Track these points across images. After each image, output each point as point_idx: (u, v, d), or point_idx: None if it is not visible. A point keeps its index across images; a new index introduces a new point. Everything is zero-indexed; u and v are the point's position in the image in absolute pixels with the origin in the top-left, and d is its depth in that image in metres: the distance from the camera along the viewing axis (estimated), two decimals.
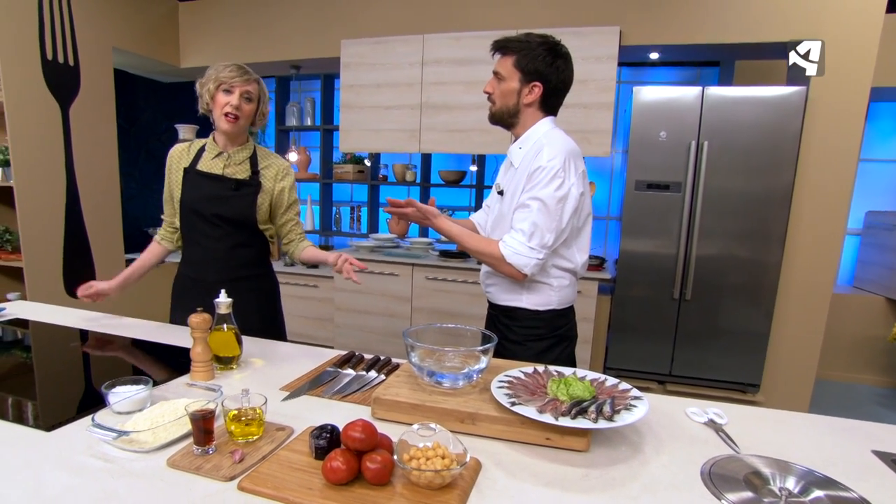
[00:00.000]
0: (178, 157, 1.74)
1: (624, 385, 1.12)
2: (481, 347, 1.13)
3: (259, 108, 1.70)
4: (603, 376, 1.16)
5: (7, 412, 1.07)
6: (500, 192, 1.57)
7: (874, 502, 0.84)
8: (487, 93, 1.53)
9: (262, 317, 1.82)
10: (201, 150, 1.73)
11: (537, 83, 1.46)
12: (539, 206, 1.40)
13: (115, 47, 3.62)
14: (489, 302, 1.68)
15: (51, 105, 3.21)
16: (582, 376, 1.14)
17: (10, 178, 3.04)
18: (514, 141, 1.55)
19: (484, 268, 1.64)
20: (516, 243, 1.42)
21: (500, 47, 1.49)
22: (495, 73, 1.50)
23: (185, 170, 1.71)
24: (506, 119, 1.52)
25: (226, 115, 1.61)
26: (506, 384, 1.10)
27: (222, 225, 1.70)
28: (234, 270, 1.74)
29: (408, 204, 1.47)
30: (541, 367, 1.20)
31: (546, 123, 1.51)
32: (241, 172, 1.72)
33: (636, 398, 1.05)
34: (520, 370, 1.19)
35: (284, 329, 1.95)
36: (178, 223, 1.76)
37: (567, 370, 1.19)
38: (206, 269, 1.73)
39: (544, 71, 1.44)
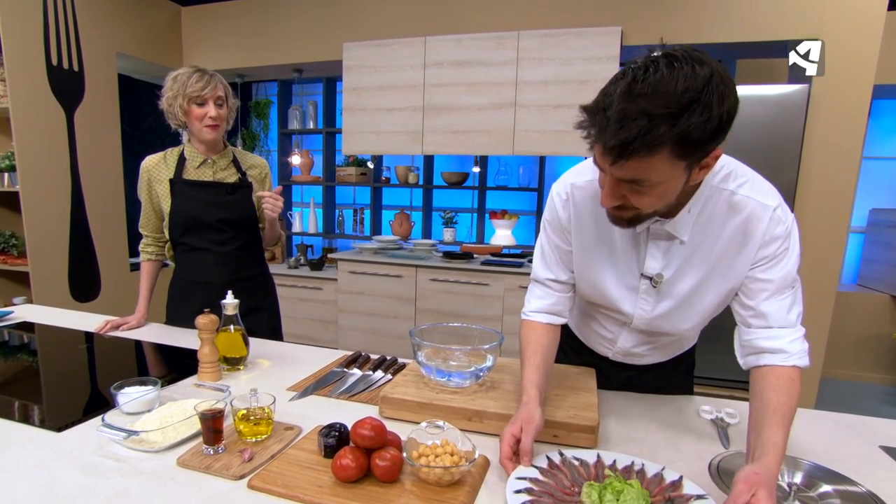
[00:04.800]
0: (157, 169, 1.71)
1: (671, 474, 0.86)
2: (488, 346, 1.13)
3: (228, 105, 1.70)
4: (640, 462, 0.89)
5: (14, 414, 1.08)
6: (656, 284, 1.03)
7: (883, 497, 0.84)
8: (610, 206, 0.88)
9: (268, 314, 1.87)
10: (180, 160, 1.72)
11: (715, 151, 0.83)
12: (798, 282, 0.98)
13: (118, 52, 3.64)
14: (625, 365, 1.24)
15: (56, 110, 3.23)
16: (624, 467, 0.88)
17: (15, 184, 3.05)
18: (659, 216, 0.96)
19: (648, 342, 1.18)
20: (801, 336, 0.96)
21: (632, 145, 0.75)
22: (628, 181, 0.82)
23: (171, 181, 1.70)
24: (660, 214, 0.95)
25: (206, 126, 1.64)
26: (524, 490, 0.81)
27: (227, 229, 1.72)
28: (240, 270, 1.77)
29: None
30: (556, 458, 0.91)
31: (717, 169, 0.95)
32: (230, 176, 1.76)
33: (700, 497, 0.80)
34: (534, 465, 0.88)
35: (282, 330, 1.98)
36: (166, 234, 1.76)
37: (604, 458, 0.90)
38: (212, 273, 1.73)
39: (724, 125, 0.79)
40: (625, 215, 0.90)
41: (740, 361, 1.02)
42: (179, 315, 1.79)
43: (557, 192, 1.07)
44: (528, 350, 1.06)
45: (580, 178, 1.05)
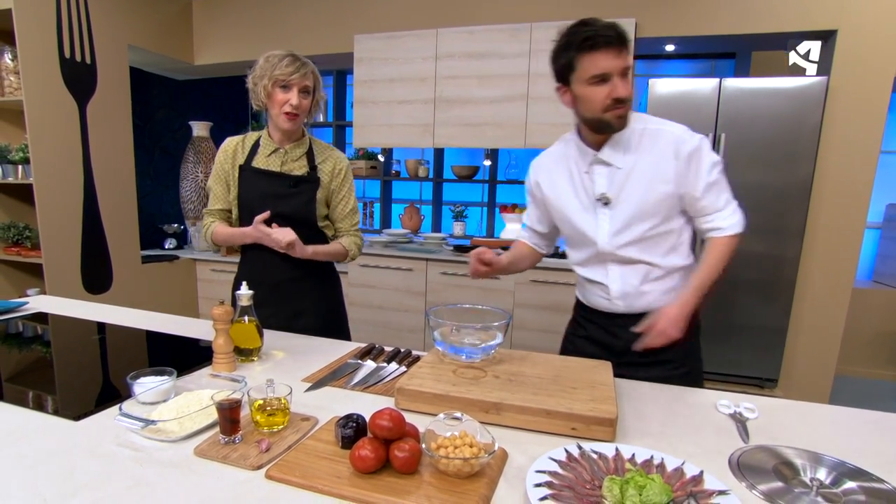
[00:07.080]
0: (232, 153, 1.67)
1: (691, 468, 0.85)
2: (497, 323, 1.20)
3: (315, 98, 1.64)
4: (659, 456, 0.89)
5: (28, 404, 1.09)
6: (606, 203, 1.35)
7: None
8: (627, 96, 1.25)
9: (326, 314, 1.81)
10: (255, 145, 1.67)
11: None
12: (720, 172, 1.31)
13: (130, 45, 3.65)
14: (614, 314, 1.42)
15: (68, 103, 3.24)
16: (643, 461, 0.88)
17: (29, 176, 3.07)
18: (592, 145, 1.36)
19: (635, 275, 1.38)
20: (731, 212, 1.33)
21: (624, 39, 1.22)
22: (626, 71, 1.23)
23: (241, 167, 1.65)
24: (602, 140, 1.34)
25: (286, 114, 1.57)
26: (544, 484, 0.80)
27: (282, 223, 1.60)
28: (297, 269, 1.70)
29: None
30: (575, 451, 0.90)
31: (633, 117, 1.36)
32: (299, 168, 1.67)
33: (722, 492, 0.79)
34: (549, 457, 0.88)
35: (348, 327, 1.89)
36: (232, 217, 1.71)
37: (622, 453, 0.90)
38: (269, 269, 1.68)
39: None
40: (626, 111, 1.27)
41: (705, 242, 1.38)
42: None
43: (527, 175, 1.57)
44: (511, 250, 1.60)
45: (537, 159, 1.54)
